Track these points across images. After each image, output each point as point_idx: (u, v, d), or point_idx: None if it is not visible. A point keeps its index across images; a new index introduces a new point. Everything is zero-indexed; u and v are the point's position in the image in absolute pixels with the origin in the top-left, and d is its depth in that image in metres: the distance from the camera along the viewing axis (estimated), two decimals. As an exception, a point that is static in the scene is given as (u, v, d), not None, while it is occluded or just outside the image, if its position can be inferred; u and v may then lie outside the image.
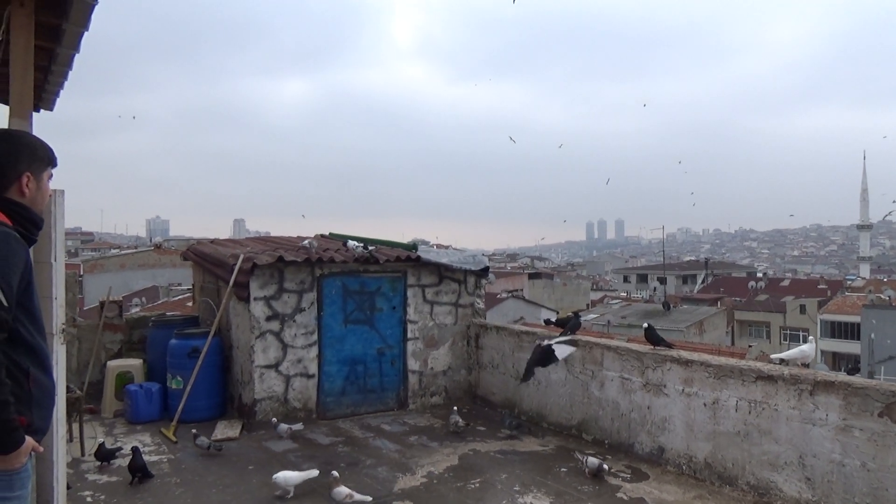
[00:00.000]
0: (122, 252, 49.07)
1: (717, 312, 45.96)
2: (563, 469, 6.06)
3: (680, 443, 5.94)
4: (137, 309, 26.07)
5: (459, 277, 8.64)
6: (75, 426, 6.55)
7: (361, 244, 8.15)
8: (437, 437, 7.13)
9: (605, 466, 5.83)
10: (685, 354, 6.03)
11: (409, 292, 8.28)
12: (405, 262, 8.15)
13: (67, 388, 6.59)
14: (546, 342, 6.91)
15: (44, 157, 2.18)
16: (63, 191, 4.23)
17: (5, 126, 4.05)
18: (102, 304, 8.90)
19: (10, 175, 2.07)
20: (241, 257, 7.51)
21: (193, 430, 6.83)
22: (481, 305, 8.86)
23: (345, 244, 7.99)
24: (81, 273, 39.92)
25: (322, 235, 10.49)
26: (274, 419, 7.00)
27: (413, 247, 8.40)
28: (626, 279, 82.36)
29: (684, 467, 5.86)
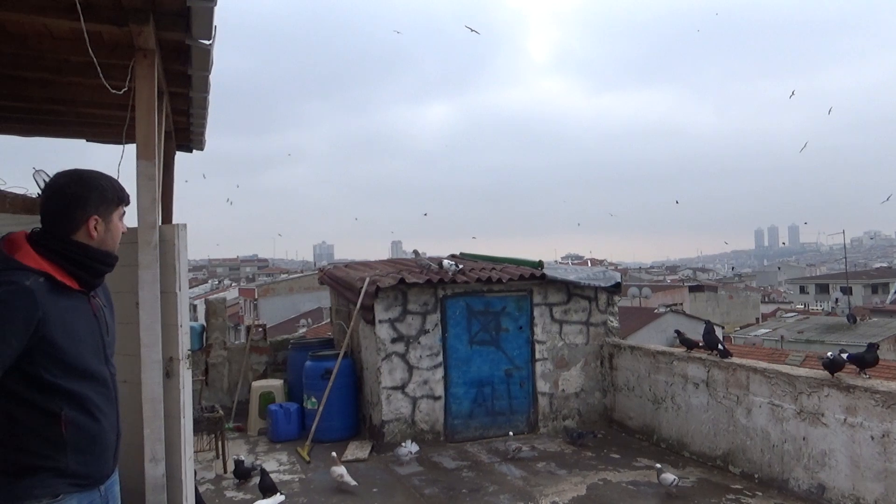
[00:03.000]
0: (291, 277, 52.94)
1: (915, 325, 40.38)
2: (702, 506, 5.47)
3: (844, 481, 5.13)
4: (304, 330, 27.86)
5: (589, 295, 8.21)
6: (218, 444, 6.95)
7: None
8: (566, 463, 6.76)
9: (677, 481, 5.58)
10: (846, 379, 5.22)
11: (536, 311, 8.00)
12: (529, 280, 7.89)
13: (211, 408, 7.07)
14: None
15: (113, 199, 2.22)
16: (185, 224, 4.47)
17: (134, 166, 4.39)
18: (249, 328, 9.50)
19: (78, 220, 2.12)
20: (367, 280, 7.65)
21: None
22: (615, 324, 8.35)
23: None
24: (256, 297, 43.61)
25: (454, 255, 10.50)
26: (403, 444, 7.00)
27: (538, 264, 8.12)
28: (802, 290, 74.88)
29: (850, 510, 5.05)
